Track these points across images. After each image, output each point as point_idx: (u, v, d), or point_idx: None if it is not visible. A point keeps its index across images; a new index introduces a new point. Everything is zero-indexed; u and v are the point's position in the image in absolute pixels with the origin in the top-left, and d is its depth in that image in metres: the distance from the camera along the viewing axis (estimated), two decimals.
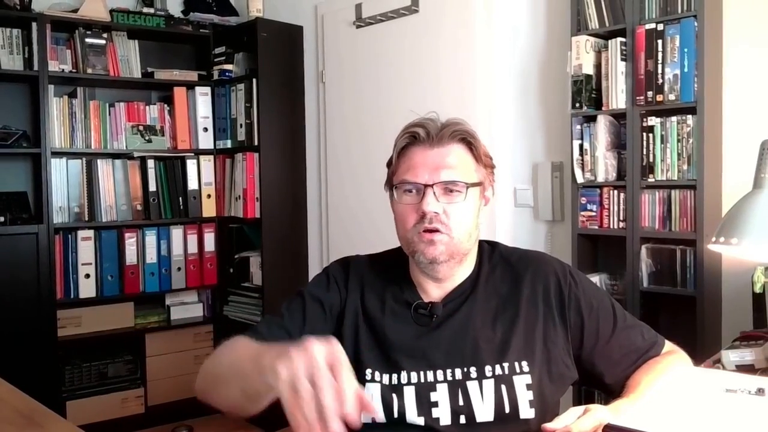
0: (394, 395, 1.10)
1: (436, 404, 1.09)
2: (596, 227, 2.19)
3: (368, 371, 1.13)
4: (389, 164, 1.21)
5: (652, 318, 2.08)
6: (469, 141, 1.16)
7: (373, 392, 1.11)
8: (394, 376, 1.12)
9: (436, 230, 1.12)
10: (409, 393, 1.10)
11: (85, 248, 3.15)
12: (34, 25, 2.98)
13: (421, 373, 1.11)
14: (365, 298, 1.20)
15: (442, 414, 1.09)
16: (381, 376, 1.12)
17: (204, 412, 3.44)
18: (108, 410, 3.19)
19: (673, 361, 1.18)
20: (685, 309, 2.01)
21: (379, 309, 1.18)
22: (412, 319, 1.17)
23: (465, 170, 1.14)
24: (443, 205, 1.12)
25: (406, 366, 1.12)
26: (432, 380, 1.11)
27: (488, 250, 1.25)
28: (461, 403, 1.09)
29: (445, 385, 1.10)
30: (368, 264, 1.25)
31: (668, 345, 1.23)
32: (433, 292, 1.19)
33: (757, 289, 1.45)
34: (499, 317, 1.16)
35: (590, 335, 1.17)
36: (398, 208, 1.17)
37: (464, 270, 1.20)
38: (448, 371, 1.11)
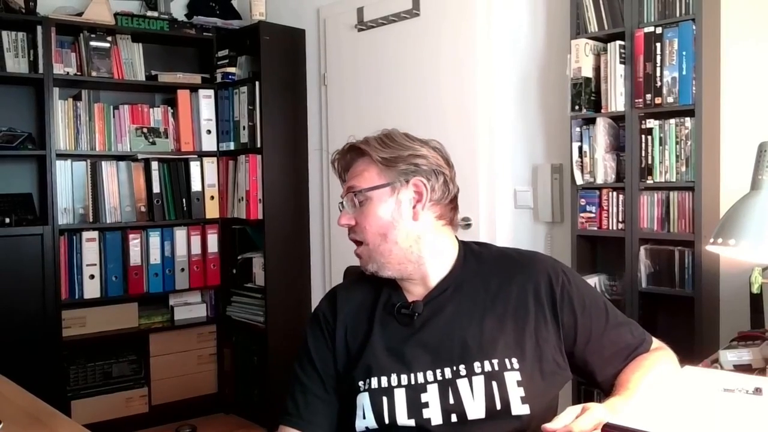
0: (384, 398, 1.11)
1: (426, 405, 1.10)
2: (595, 228, 2.20)
3: (360, 383, 1.14)
4: None
5: (650, 318, 2.10)
6: (363, 150, 1.18)
7: (363, 401, 1.12)
8: (383, 380, 1.12)
9: (355, 242, 1.20)
10: (400, 395, 1.11)
11: (90, 249, 3.17)
12: (39, 28, 3.00)
13: (411, 374, 1.12)
14: (356, 317, 1.22)
15: (433, 414, 1.09)
16: (370, 382, 1.13)
17: (207, 411, 3.46)
18: (112, 410, 3.21)
19: (659, 357, 1.20)
20: (684, 309, 2.02)
21: (366, 321, 1.20)
22: (397, 322, 1.19)
23: (366, 177, 1.18)
24: (355, 216, 1.19)
25: (395, 369, 1.13)
26: (422, 381, 1.12)
27: (476, 249, 1.26)
28: (452, 401, 1.09)
29: (435, 384, 1.11)
30: (359, 282, 1.28)
31: (655, 342, 1.25)
32: (416, 290, 1.22)
33: (755, 289, 1.46)
34: (487, 315, 1.16)
35: (583, 333, 1.18)
36: None
37: (430, 267, 1.20)
38: (438, 371, 1.12)
